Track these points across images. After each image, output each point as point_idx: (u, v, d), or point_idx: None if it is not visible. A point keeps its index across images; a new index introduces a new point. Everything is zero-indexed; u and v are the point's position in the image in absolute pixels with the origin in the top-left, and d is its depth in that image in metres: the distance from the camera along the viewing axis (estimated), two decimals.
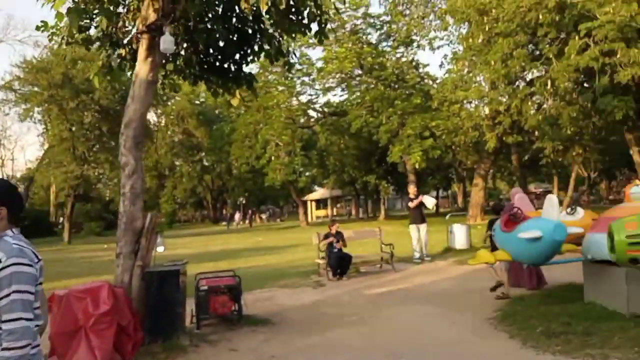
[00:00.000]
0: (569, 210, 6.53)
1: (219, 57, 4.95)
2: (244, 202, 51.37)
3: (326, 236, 9.58)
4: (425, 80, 28.09)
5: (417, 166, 23.95)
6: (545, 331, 4.93)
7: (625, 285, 4.96)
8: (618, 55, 11.88)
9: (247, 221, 44.10)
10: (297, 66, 28.77)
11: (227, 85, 4.94)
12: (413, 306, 6.91)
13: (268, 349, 5.22)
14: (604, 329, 4.72)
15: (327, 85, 29.19)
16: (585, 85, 15.89)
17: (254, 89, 5.39)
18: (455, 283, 8.41)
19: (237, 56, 4.92)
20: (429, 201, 11.25)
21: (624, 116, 14.61)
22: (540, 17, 13.31)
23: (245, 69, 5.35)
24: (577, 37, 12.78)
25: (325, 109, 31.91)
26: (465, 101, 23.11)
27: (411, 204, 11.32)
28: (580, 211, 6.40)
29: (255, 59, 5.02)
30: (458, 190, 47.19)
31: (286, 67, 5.24)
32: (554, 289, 6.70)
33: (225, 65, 4.96)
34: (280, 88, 29.05)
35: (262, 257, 14.73)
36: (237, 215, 45.88)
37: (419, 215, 11.20)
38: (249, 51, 4.91)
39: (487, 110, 21.80)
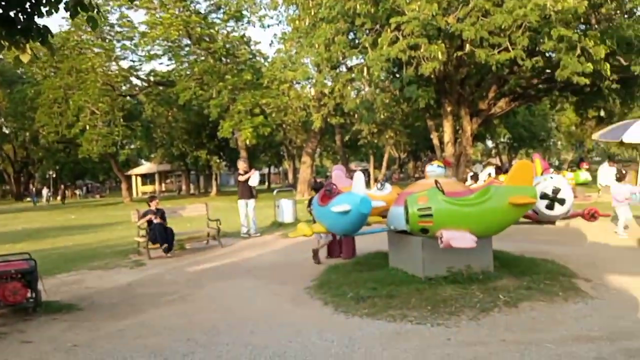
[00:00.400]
0: (378, 185, 7.15)
1: (3, 3, 4.11)
2: (54, 175, 45.58)
3: (145, 213, 8.98)
4: (257, 58, 28.14)
5: (248, 142, 24.02)
6: (355, 296, 5.35)
7: (421, 253, 5.64)
8: (422, 50, 13.37)
9: (58, 197, 39.30)
10: (117, 28, 26.22)
11: (13, 38, 4.13)
12: (237, 280, 6.91)
13: (70, 337, 4.68)
14: (404, 291, 5.30)
15: (152, 52, 27.23)
16: (396, 75, 17.63)
17: (50, 44, 4.64)
18: (279, 256, 8.66)
19: (27, 4, 4.14)
20: (254, 178, 11.34)
21: (426, 105, 16.64)
22: (358, 7, 14.26)
23: (42, 21, 4.59)
24: (388, 30, 14.01)
25: (151, 78, 29.83)
26: (294, 81, 23.82)
27: (240, 178, 11.27)
28: (388, 187, 7.06)
29: (53, 10, 4.29)
30: (289, 167, 48.90)
31: (90, 24, 4.56)
32: (365, 258, 7.32)
33: (12, 14, 4.13)
34: (97, 50, 26.15)
35: (72, 237, 13.27)
36: (45, 191, 40.58)
37: (248, 190, 11.21)
38: (43, 0, 4.17)
39: (313, 91, 22.83)
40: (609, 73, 14.09)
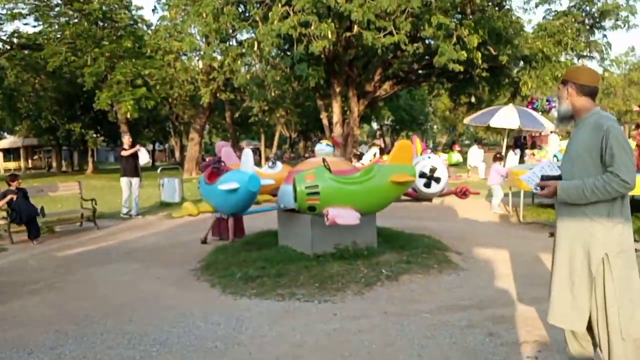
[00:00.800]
0: (270, 164, 7.08)
1: None
2: None
3: (4, 194, 7.96)
4: (139, 24, 26.16)
5: (129, 116, 22.39)
6: (243, 277, 5.25)
7: (310, 230, 5.69)
8: (312, 28, 13.38)
9: None
10: None
11: None
12: (114, 265, 6.42)
13: None
14: (292, 269, 5.31)
15: (15, 11, 23.95)
16: (287, 52, 17.51)
17: None
18: (163, 237, 8.23)
19: None
20: (144, 156, 10.60)
21: (316, 84, 16.79)
22: None
23: None
24: (279, 5, 13.80)
25: (15, 40, 26.31)
26: (180, 52, 22.58)
27: (124, 153, 10.41)
28: (279, 165, 7.03)
29: None
30: (175, 144, 46.68)
31: None
32: (254, 237, 7.21)
33: None
34: None
35: None
36: None
37: (133, 167, 10.46)
38: None
39: (201, 64, 21.87)
40: (480, 62, 15.33)
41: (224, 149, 7.26)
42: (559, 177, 2.77)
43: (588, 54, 19.10)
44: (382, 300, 4.60)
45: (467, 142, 51.02)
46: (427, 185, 5.66)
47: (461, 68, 14.14)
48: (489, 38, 15.46)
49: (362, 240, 5.96)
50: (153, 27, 25.27)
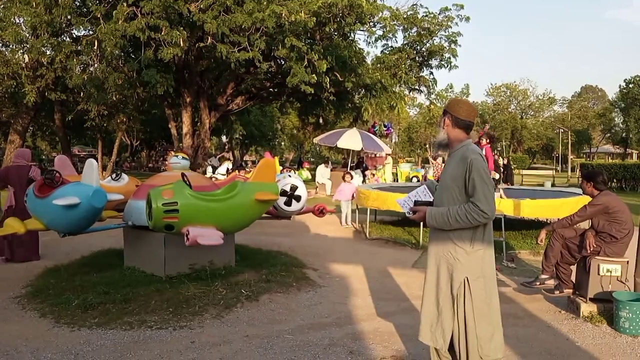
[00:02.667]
0: (114, 176, 6.39)
1: None
2: None
3: None
4: None
5: None
6: (82, 304, 4.60)
7: (163, 250, 5.25)
8: (163, 33, 12.67)
9: None
10: None
11: None
12: None
13: None
14: (142, 293, 4.83)
15: None
16: (132, 55, 16.28)
17: None
18: None
19: None
20: None
21: (165, 92, 15.89)
22: None
23: None
24: (124, 4, 12.81)
25: None
26: (0, 44, 19.52)
27: None
28: (125, 177, 6.38)
29: None
30: None
31: None
32: (93, 257, 6.44)
33: None
34: None
35: None
36: None
37: None
38: None
39: (27, 58, 19.15)
40: (328, 86, 16.16)
41: (57, 158, 6.36)
42: (430, 203, 2.97)
43: (418, 88, 21.49)
44: (242, 322, 4.42)
45: (312, 159, 53.26)
46: (288, 203, 5.66)
47: (312, 90, 14.71)
48: (336, 64, 16.39)
49: (220, 259, 5.72)
50: None
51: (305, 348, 3.85)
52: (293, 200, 5.70)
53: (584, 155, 59.01)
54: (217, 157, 27.50)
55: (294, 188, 5.68)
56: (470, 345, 2.81)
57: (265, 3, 13.17)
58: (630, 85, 53.77)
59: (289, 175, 5.88)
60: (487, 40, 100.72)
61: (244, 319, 4.51)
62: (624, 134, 61.89)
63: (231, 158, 35.74)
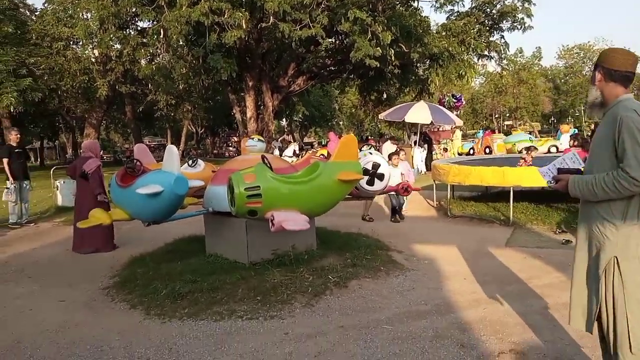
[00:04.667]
0: (190, 162, 6.29)
1: None
2: None
3: None
4: (21, 9, 23.23)
5: (12, 109, 19.73)
6: (171, 293, 4.52)
7: (245, 236, 5.08)
8: (226, 15, 12.55)
9: None
10: None
11: None
12: (4, 286, 5.31)
13: None
14: (228, 281, 4.68)
15: None
16: (195, 42, 16.39)
17: None
18: (62, 249, 7.06)
19: None
20: None
21: (228, 77, 15.91)
22: None
23: None
24: None
25: None
26: (71, 40, 20.39)
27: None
28: (201, 163, 6.27)
29: None
30: (67, 141, 42.50)
31: None
32: (175, 245, 6.43)
33: None
34: None
35: None
36: None
37: (20, 168, 8.99)
38: None
39: (96, 53, 19.89)
40: (393, 58, 15.49)
41: (137, 146, 6.37)
42: (579, 172, 2.54)
43: (488, 54, 20.19)
44: (334, 311, 4.15)
45: (370, 137, 52.46)
46: (370, 182, 5.29)
47: (377, 64, 14.14)
48: (400, 35, 15.65)
49: (301, 243, 5.48)
50: (38, 12, 22.59)
51: (409, 341, 3.51)
52: (376, 179, 5.32)
53: None
54: (279, 139, 27.58)
55: (376, 166, 5.30)
56: (619, 336, 2.36)
57: None
58: None
59: (370, 153, 5.50)
60: None
61: (336, 307, 4.23)
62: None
63: (292, 140, 35.87)
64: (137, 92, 24.01)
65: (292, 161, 9.36)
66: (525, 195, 8.71)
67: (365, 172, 5.26)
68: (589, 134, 22.20)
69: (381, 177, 5.33)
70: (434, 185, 9.82)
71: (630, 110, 2.30)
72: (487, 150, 20.12)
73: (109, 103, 24.38)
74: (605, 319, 2.42)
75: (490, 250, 6.10)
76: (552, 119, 56.35)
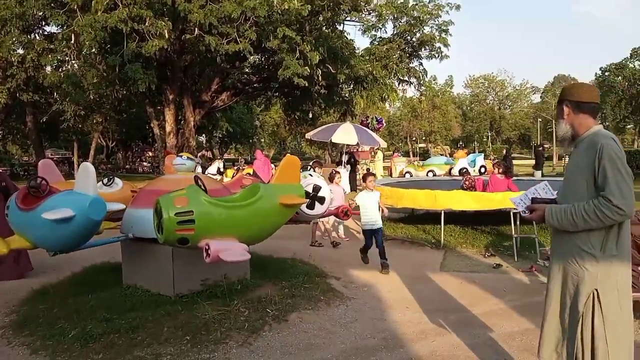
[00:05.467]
0: (105, 181, 5.61)
1: None
2: None
3: None
4: None
5: None
6: (81, 335, 3.86)
7: (171, 264, 4.54)
8: (147, 24, 11.80)
9: None
10: None
11: None
12: None
13: None
14: (150, 319, 4.11)
15: None
16: (110, 51, 15.31)
17: None
18: None
19: None
20: None
21: (146, 89, 14.99)
22: None
23: None
24: None
25: None
26: None
27: None
28: (118, 182, 5.61)
29: None
30: None
31: None
32: (85, 274, 5.67)
33: None
34: None
35: None
36: None
37: None
38: None
39: None
40: (320, 78, 15.52)
41: (42, 162, 5.58)
42: (553, 201, 2.41)
43: (407, 79, 20.98)
44: (275, 350, 3.75)
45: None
46: (311, 206, 4.99)
47: (306, 83, 14.05)
48: (327, 56, 15.75)
49: (234, 272, 5.03)
50: None
51: None
52: (316, 203, 5.03)
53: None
54: (198, 155, 26.52)
55: (317, 189, 5.02)
56: None
57: None
58: (607, 73, 54.48)
59: (310, 175, 5.21)
60: (471, 31, 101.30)
61: (276, 345, 3.84)
62: (599, 122, 62.87)
63: (211, 157, 34.71)
64: (41, 101, 22.04)
65: (218, 180, 8.84)
66: (451, 218, 8.86)
67: (306, 195, 4.95)
68: (495, 159, 23.68)
69: (322, 200, 5.06)
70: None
71: (609, 138, 2.26)
72: (388, 172, 20.80)
73: (7, 112, 22.09)
74: (580, 355, 2.29)
75: (427, 274, 6.01)
76: (461, 143, 60.11)
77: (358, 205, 6.39)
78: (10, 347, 3.86)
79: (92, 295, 4.79)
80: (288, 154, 5.31)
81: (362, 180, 8.18)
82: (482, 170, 18.74)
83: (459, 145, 54.54)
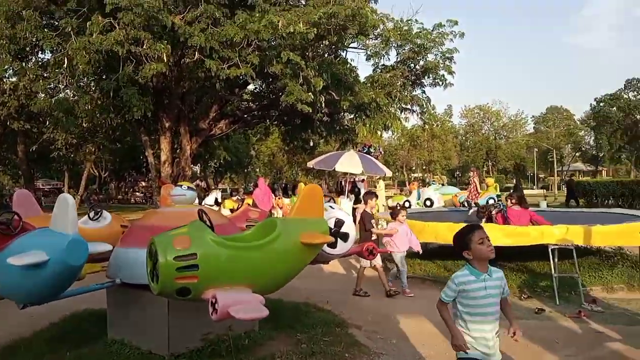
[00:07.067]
0: (91, 215, 4.83)
1: None
2: None
3: None
4: None
5: None
6: None
7: (166, 316, 3.75)
8: (145, 46, 11.22)
9: None
10: None
11: None
12: None
13: None
14: None
15: None
16: (105, 77, 14.70)
17: None
18: None
19: None
20: None
21: (142, 117, 14.32)
22: None
23: None
24: (99, 15, 11.28)
25: None
26: None
27: None
28: (107, 216, 4.83)
29: None
30: None
31: None
32: (64, 324, 4.84)
33: None
34: None
35: None
36: None
37: None
38: None
39: None
40: (323, 105, 14.95)
41: (17, 193, 4.82)
42: None
43: (410, 107, 20.49)
44: None
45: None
46: (332, 244, 4.23)
47: (309, 109, 13.45)
48: (331, 83, 15.23)
49: (240, 323, 4.21)
50: None
51: None
52: (339, 239, 4.27)
53: (565, 173, 59.02)
54: (193, 184, 25.75)
55: (339, 224, 4.26)
56: None
57: (258, 15, 11.92)
58: (601, 104, 54.74)
59: (331, 207, 4.46)
60: (468, 60, 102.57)
61: None
62: (594, 152, 62.97)
63: (206, 187, 33.86)
64: (32, 130, 21.36)
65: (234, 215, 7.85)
66: None
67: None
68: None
69: (345, 237, 4.30)
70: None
71: None
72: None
73: None
74: None
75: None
76: (458, 172, 59.78)
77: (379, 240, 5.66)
78: None
79: (71, 352, 3.96)
80: (304, 183, 4.58)
81: (390, 216, 7.35)
82: (428, 203, 17.03)
83: (455, 176, 54.11)
